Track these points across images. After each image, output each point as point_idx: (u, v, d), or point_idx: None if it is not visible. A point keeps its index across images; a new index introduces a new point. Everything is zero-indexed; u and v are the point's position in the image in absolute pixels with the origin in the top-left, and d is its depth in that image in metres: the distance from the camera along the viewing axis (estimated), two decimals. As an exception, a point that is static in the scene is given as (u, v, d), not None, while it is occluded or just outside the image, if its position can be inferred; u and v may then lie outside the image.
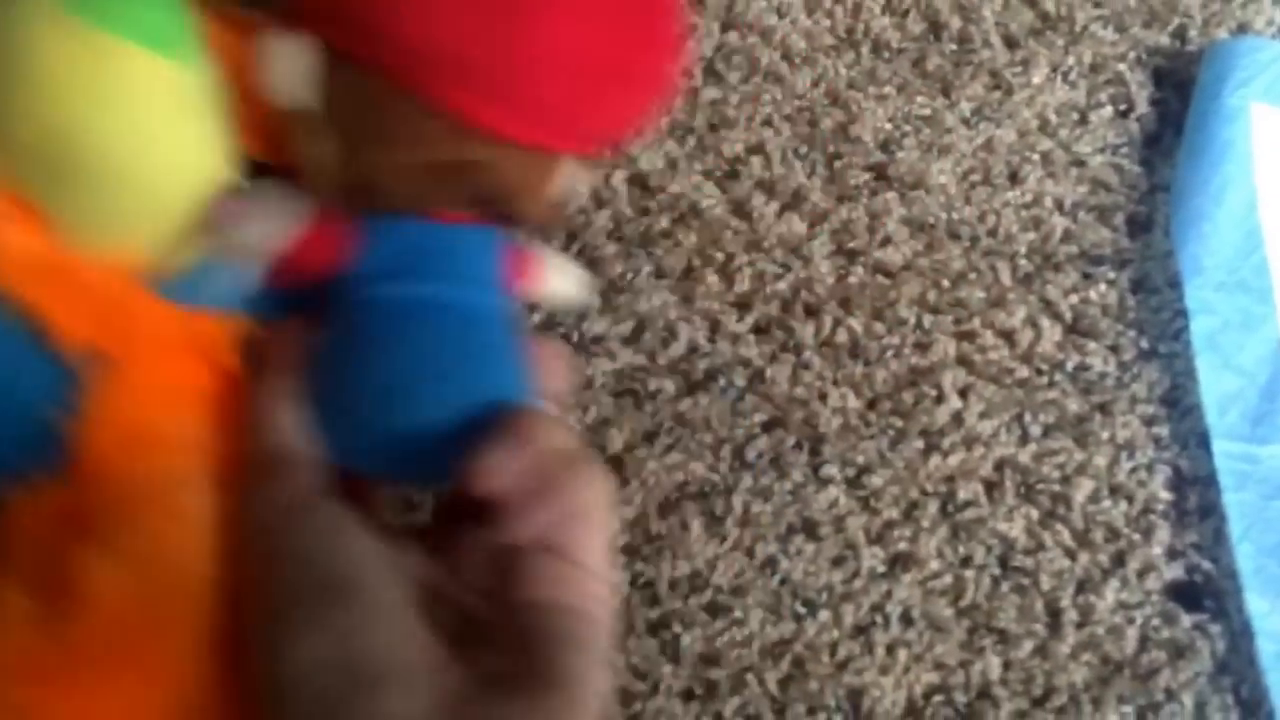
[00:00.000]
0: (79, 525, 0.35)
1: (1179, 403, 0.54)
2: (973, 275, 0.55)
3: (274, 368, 0.37)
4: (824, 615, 0.48)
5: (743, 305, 0.52)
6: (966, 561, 0.50)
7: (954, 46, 0.59)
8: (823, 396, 0.51)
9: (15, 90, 0.34)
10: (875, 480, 0.50)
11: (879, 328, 0.53)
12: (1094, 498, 0.52)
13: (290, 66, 0.36)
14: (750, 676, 0.46)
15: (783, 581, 0.48)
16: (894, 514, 0.50)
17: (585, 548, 0.35)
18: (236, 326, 0.39)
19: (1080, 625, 0.49)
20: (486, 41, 0.35)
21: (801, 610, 0.48)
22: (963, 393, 0.52)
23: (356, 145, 0.36)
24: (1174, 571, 0.51)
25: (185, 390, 0.38)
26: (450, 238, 0.38)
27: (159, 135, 0.36)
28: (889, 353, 0.53)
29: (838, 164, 0.56)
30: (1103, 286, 0.55)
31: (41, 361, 0.36)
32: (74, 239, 0.37)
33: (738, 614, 0.47)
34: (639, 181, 0.53)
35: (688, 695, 0.46)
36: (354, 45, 0.36)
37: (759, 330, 0.52)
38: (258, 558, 0.34)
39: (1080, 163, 0.58)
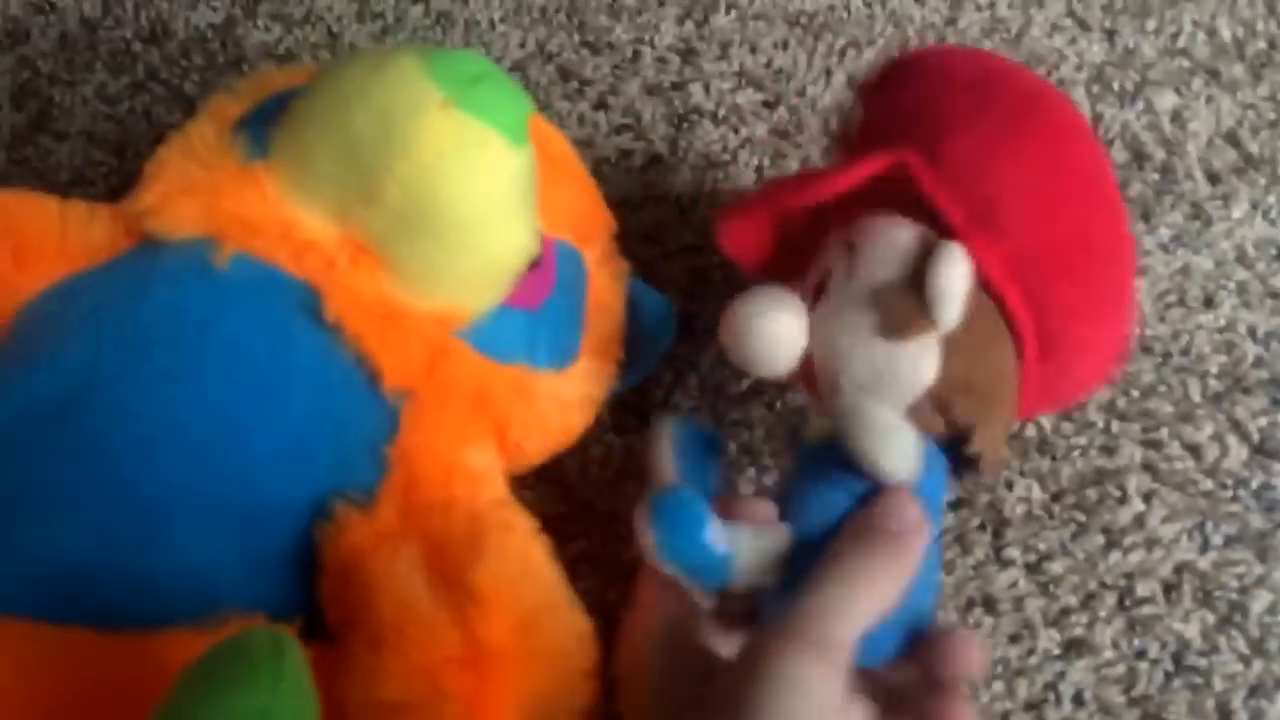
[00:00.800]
0: (392, 541, 0.41)
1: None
2: (1162, 389, 0.58)
3: None
4: (998, 686, 0.51)
5: (938, 398, 0.57)
6: (1141, 655, 0.52)
7: (1156, 176, 0.63)
8: (1009, 485, 0.55)
9: (395, 159, 0.41)
10: (1055, 568, 0.53)
11: (1067, 427, 0.57)
12: (1271, 610, 0.53)
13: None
14: (924, 733, 0.49)
15: (961, 650, 0.51)
16: (1072, 601, 0.53)
17: None
18: (518, 379, 0.45)
19: (1250, 727, 0.51)
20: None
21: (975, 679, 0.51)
22: (1146, 497, 0.55)
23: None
24: (1348, 685, 0.52)
25: (477, 424, 0.44)
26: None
27: (503, 210, 0.43)
28: (1075, 451, 0.56)
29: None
30: (1291, 412, 0.58)
31: (370, 397, 0.43)
32: (413, 289, 0.43)
33: (916, 676, 0.51)
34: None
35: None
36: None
37: (952, 422, 0.56)
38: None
39: (1275, 295, 0.61)
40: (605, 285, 0.51)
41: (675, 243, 0.60)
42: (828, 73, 0.66)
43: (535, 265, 0.46)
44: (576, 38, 0.67)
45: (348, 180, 0.42)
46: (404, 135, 0.41)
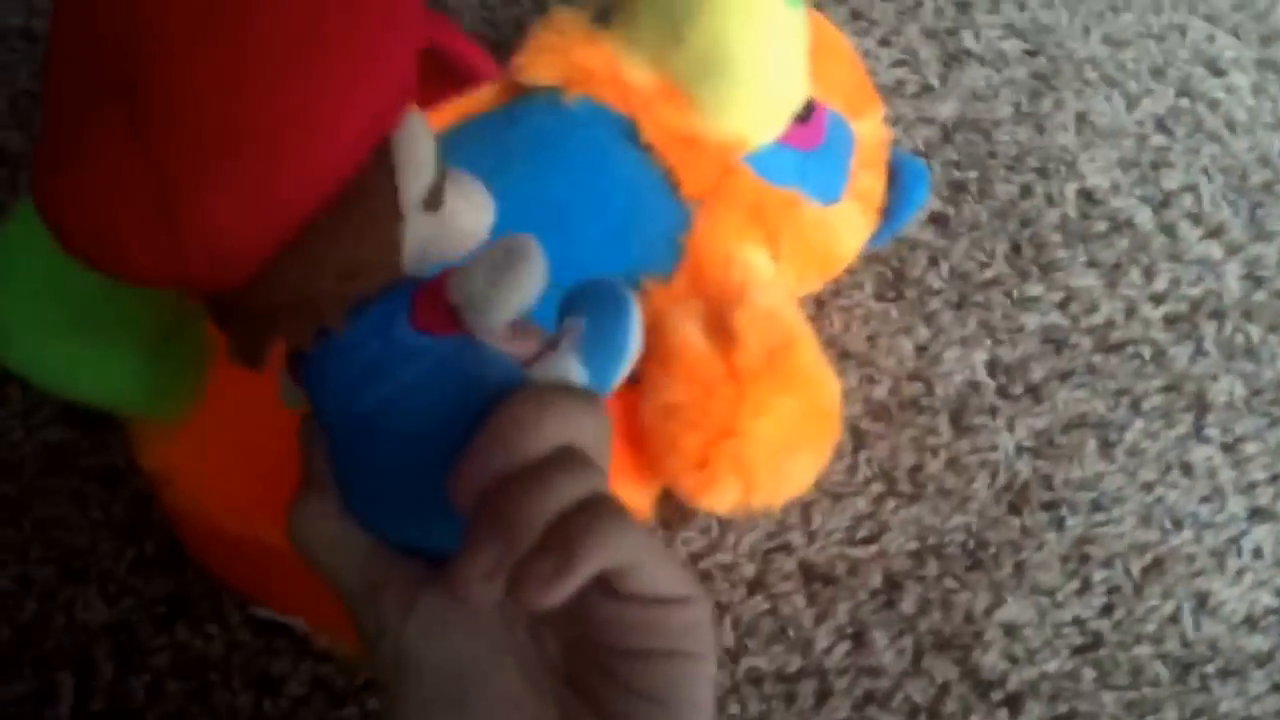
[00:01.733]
0: (682, 305, 0.53)
1: None
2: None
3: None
4: (1187, 533, 0.59)
5: (1157, 299, 0.65)
6: (1319, 527, 0.60)
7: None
8: (1214, 378, 0.63)
9: (698, 12, 0.54)
10: (1249, 448, 0.61)
11: (1273, 340, 0.64)
12: None
13: None
14: (1118, 561, 0.58)
15: (1157, 501, 0.60)
16: (1261, 476, 0.61)
17: (651, 579, 0.32)
18: (791, 199, 0.57)
19: None
20: None
21: (1169, 525, 0.59)
22: (1341, 403, 0.63)
23: None
24: None
25: (753, 230, 0.56)
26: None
27: (779, 56, 0.56)
28: (1279, 360, 0.64)
29: (1259, 211, 0.68)
30: None
31: (671, 201, 0.56)
32: (708, 120, 0.56)
33: (1114, 514, 0.59)
34: (1085, 194, 0.68)
35: (1065, 559, 0.58)
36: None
37: (1168, 321, 0.65)
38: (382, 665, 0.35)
39: None
40: (871, 148, 0.63)
41: (938, 158, 0.71)
42: (1086, 30, 0.75)
43: (806, 119, 0.58)
44: (864, -12, 0.78)
45: (662, 34, 0.56)
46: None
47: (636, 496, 0.54)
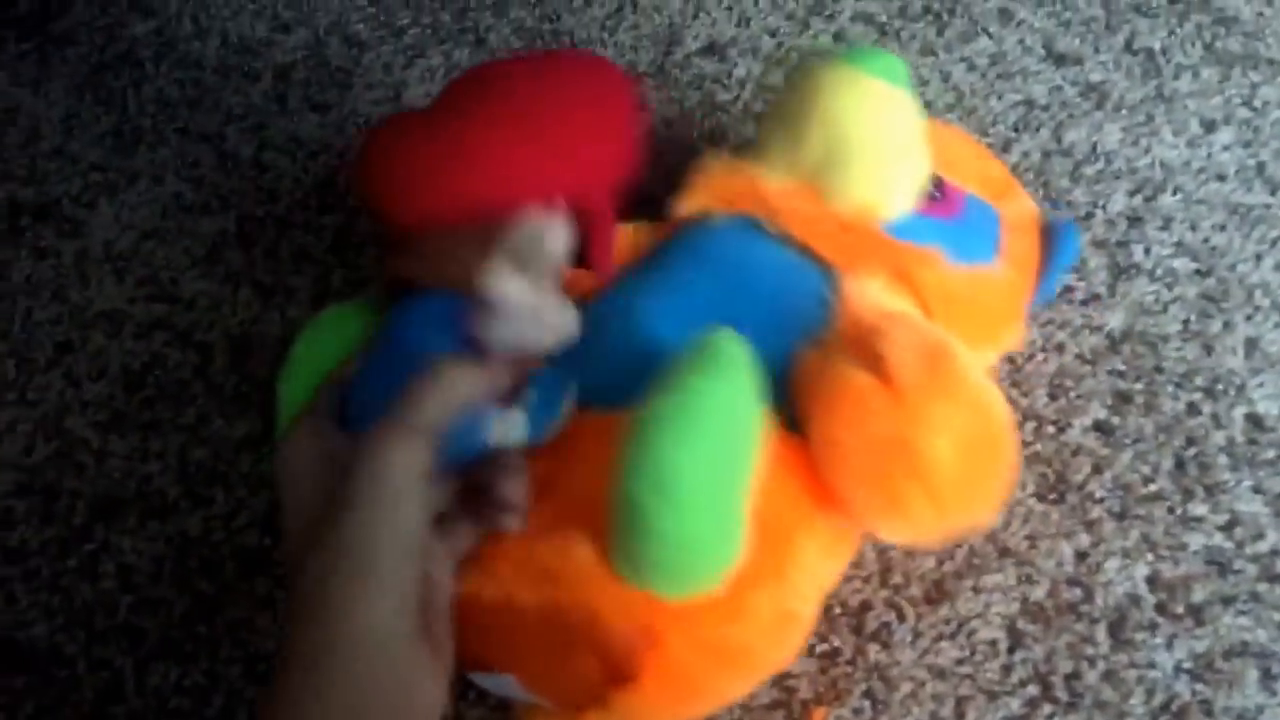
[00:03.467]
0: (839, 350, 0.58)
1: None
2: None
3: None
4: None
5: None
6: None
7: None
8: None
9: (814, 111, 0.63)
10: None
11: None
12: None
13: None
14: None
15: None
16: None
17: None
18: (931, 255, 0.64)
19: None
20: None
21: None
22: None
23: None
24: None
25: (899, 285, 0.63)
26: None
27: (891, 134, 0.64)
28: None
29: None
30: None
31: (814, 270, 0.63)
32: (835, 200, 0.64)
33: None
34: (1253, 420, 0.71)
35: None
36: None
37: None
38: (356, 498, 0.47)
39: None
40: (1018, 220, 0.70)
41: (1104, 367, 0.74)
42: (1258, 257, 0.78)
43: (939, 195, 0.65)
44: (1040, 193, 0.81)
45: (788, 142, 0.64)
46: (816, 93, 0.63)
47: (835, 543, 0.59)
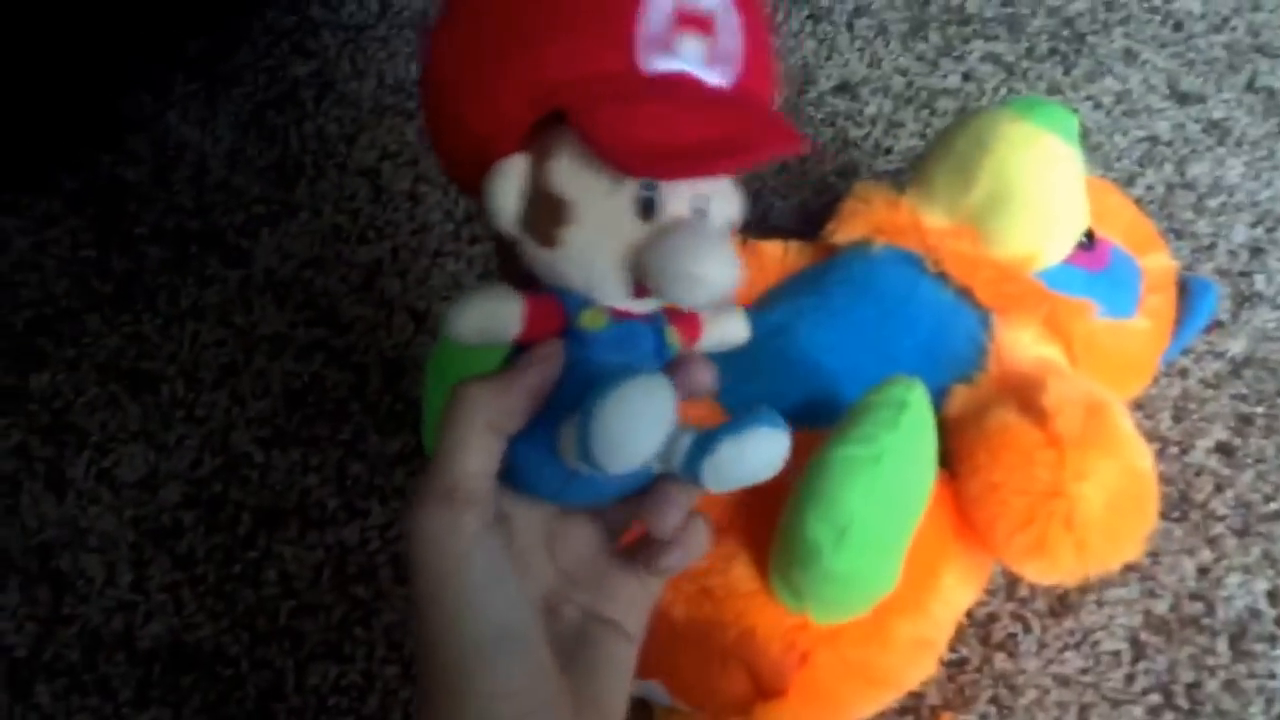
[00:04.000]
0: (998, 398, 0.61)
1: None
2: None
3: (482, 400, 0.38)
4: None
5: None
6: None
7: None
8: None
9: (984, 157, 0.65)
10: None
11: None
12: None
13: None
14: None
15: None
16: None
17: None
18: (1083, 306, 0.66)
19: None
20: None
21: None
22: None
23: None
24: None
25: (1049, 333, 0.65)
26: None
27: (1056, 187, 0.66)
28: None
29: None
30: None
31: (970, 312, 0.66)
32: (995, 245, 0.66)
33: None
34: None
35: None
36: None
37: None
38: (420, 594, 0.38)
39: None
40: (1158, 276, 0.72)
41: (1226, 390, 0.75)
42: (1382, 284, 0.79)
43: (1090, 247, 0.67)
44: (1164, 225, 0.84)
45: (954, 183, 0.66)
46: (988, 140, 0.65)
47: (972, 573, 0.62)
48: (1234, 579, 0.68)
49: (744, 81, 0.41)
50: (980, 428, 0.59)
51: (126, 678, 0.70)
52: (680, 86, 0.40)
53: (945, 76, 0.94)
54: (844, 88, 0.94)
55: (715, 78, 0.40)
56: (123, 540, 0.75)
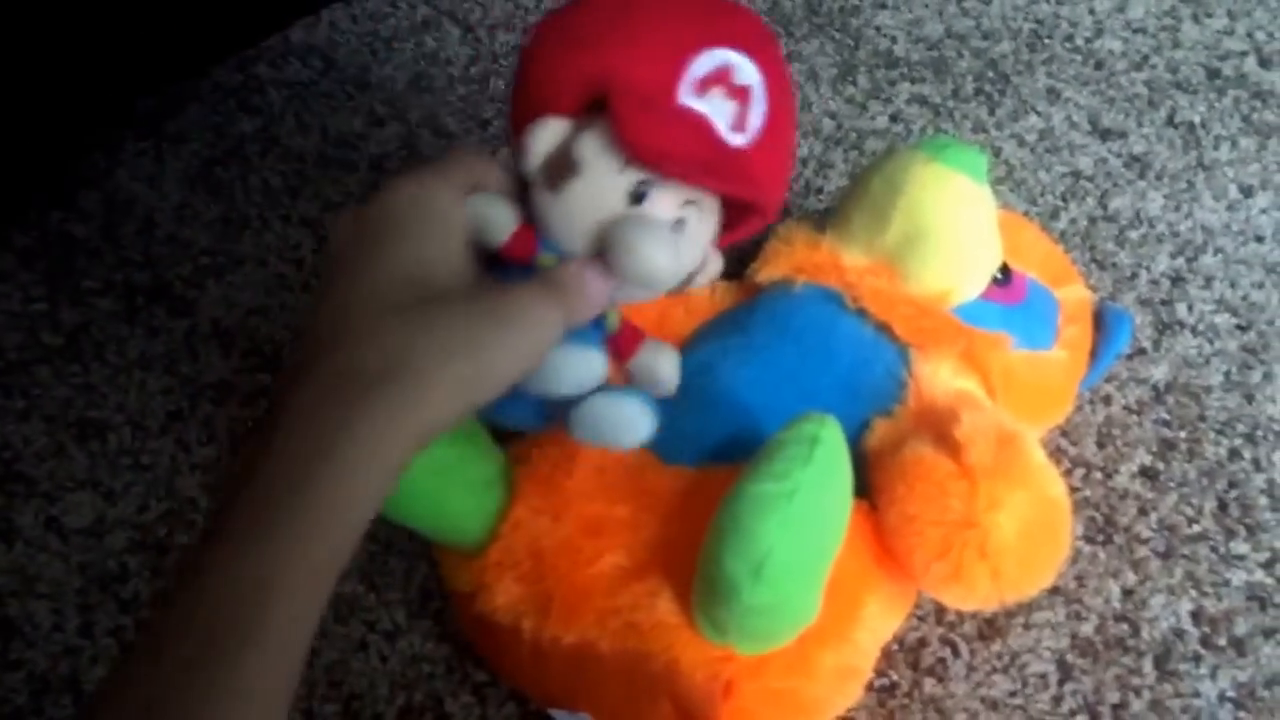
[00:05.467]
0: (915, 430, 0.63)
1: None
2: None
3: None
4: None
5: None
6: None
7: None
8: None
9: (897, 198, 0.67)
10: None
11: None
12: None
13: None
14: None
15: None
16: None
17: None
18: (1000, 340, 0.67)
19: None
20: None
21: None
22: None
23: None
24: None
25: (966, 367, 0.67)
26: None
27: (969, 225, 0.68)
28: None
29: None
30: None
31: (888, 346, 0.67)
32: (911, 283, 0.68)
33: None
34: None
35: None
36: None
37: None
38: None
39: None
40: (1075, 308, 0.73)
41: (1149, 416, 0.77)
42: (1298, 313, 0.82)
43: (1006, 282, 0.69)
44: (1087, 256, 0.86)
45: (870, 223, 0.68)
46: (901, 182, 0.67)
47: (896, 601, 0.63)
48: (1158, 600, 0.69)
49: (754, 152, 0.52)
50: (897, 460, 0.60)
51: (71, 722, 0.70)
52: (701, 125, 0.51)
53: (874, 118, 0.96)
54: (776, 131, 0.96)
55: (734, 139, 0.52)
56: (70, 586, 0.76)
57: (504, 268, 0.50)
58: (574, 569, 0.61)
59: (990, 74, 0.98)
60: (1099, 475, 0.74)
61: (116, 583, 0.76)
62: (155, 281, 0.91)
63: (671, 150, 0.49)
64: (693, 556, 0.57)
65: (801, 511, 0.53)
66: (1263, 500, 0.72)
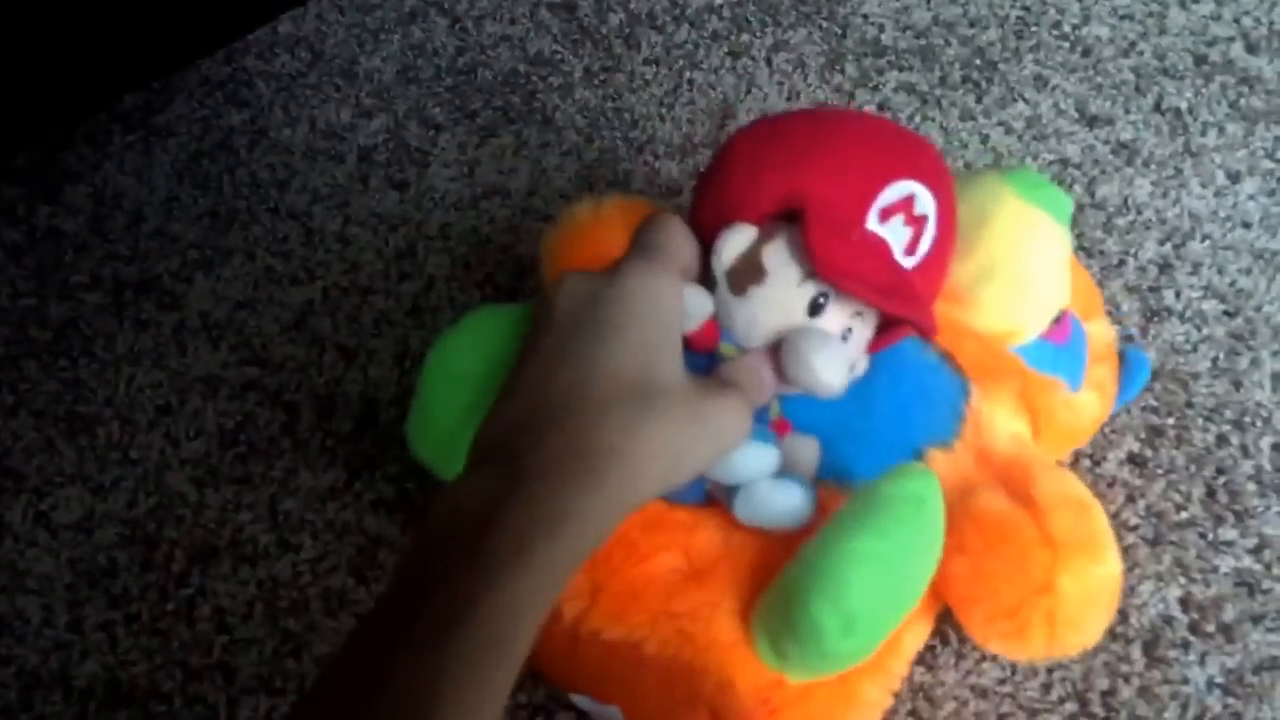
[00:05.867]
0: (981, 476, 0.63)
1: None
2: None
3: None
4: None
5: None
6: None
7: None
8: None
9: (984, 230, 0.65)
10: None
11: None
12: None
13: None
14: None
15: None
16: None
17: None
18: (1055, 385, 0.67)
19: None
20: None
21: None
22: None
23: None
24: None
25: (1021, 407, 0.66)
26: None
27: (1049, 266, 0.67)
28: None
29: None
30: None
31: (951, 377, 0.65)
32: (982, 317, 0.66)
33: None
34: (1282, 450, 0.74)
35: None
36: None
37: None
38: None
39: None
40: (1102, 345, 0.72)
41: (1137, 404, 0.77)
42: (1283, 296, 0.82)
43: (1059, 319, 0.68)
44: (1075, 243, 0.85)
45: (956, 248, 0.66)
46: (988, 214, 0.66)
47: (925, 626, 0.64)
48: (1147, 587, 0.69)
49: (920, 273, 0.59)
50: (970, 509, 0.60)
51: (62, 716, 0.71)
52: (880, 248, 0.58)
53: (861, 107, 0.96)
54: (763, 120, 0.96)
55: (906, 262, 0.59)
56: (59, 581, 0.76)
57: (688, 350, 0.52)
58: (626, 563, 0.61)
59: (978, 61, 0.98)
60: (1087, 463, 0.74)
61: (106, 578, 0.76)
62: (143, 275, 0.91)
63: (854, 271, 0.56)
64: (754, 573, 0.59)
65: (900, 572, 0.55)
66: (1250, 486, 0.72)
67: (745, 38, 1.02)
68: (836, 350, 0.56)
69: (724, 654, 0.58)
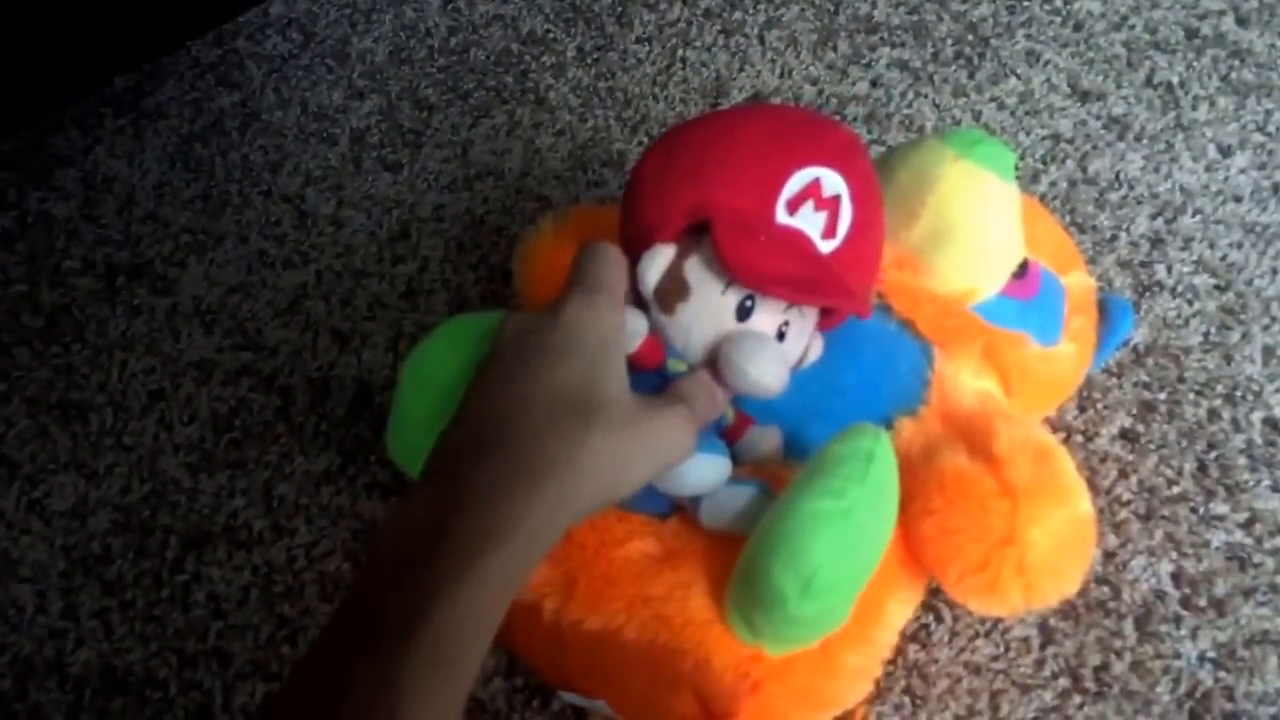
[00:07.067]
0: (946, 437, 0.62)
1: None
2: None
3: None
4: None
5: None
6: None
7: None
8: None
9: (926, 195, 0.66)
10: None
11: None
12: None
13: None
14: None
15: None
16: None
17: None
18: (1020, 339, 0.67)
19: None
20: None
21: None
22: None
23: None
24: None
25: (987, 366, 0.66)
26: None
27: (997, 224, 0.66)
28: None
29: None
30: None
31: (913, 344, 0.66)
32: (936, 280, 0.66)
33: None
34: (1271, 423, 0.74)
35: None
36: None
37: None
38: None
39: None
40: (1080, 296, 0.72)
41: (1129, 378, 0.77)
42: (1274, 271, 0.82)
43: (1022, 275, 0.68)
44: (1067, 219, 0.86)
45: (896, 217, 0.66)
46: (931, 177, 0.66)
47: (911, 597, 0.64)
48: (1139, 562, 0.69)
49: (843, 253, 0.59)
50: (933, 469, 0.60)
51: (58, 704, 0.71)
52: (796, 239, 0.58)
53: (854, 84, 0.96)
54: (756, 98, 0.96)
55: (826, 245, 0.59)
56: (53, 569, 0.76)
57: (635, 369, 0.54)
58: (601, 551, 0.61)
59: (970, 37, 0.98)
60: (1079, 438, 0.74)
61: (100, 564, 0.76)
62: (135, 260, 0.91)
63: (768, 272, 0.56)
64: (724, 550, 0.58)
65: (854, 529, 0.54)
66: (1242, 460, 0.73)
67: (738, 15, 1.01)
68: (770, 352, 0.57)
69: (699, 632, 0.58)
